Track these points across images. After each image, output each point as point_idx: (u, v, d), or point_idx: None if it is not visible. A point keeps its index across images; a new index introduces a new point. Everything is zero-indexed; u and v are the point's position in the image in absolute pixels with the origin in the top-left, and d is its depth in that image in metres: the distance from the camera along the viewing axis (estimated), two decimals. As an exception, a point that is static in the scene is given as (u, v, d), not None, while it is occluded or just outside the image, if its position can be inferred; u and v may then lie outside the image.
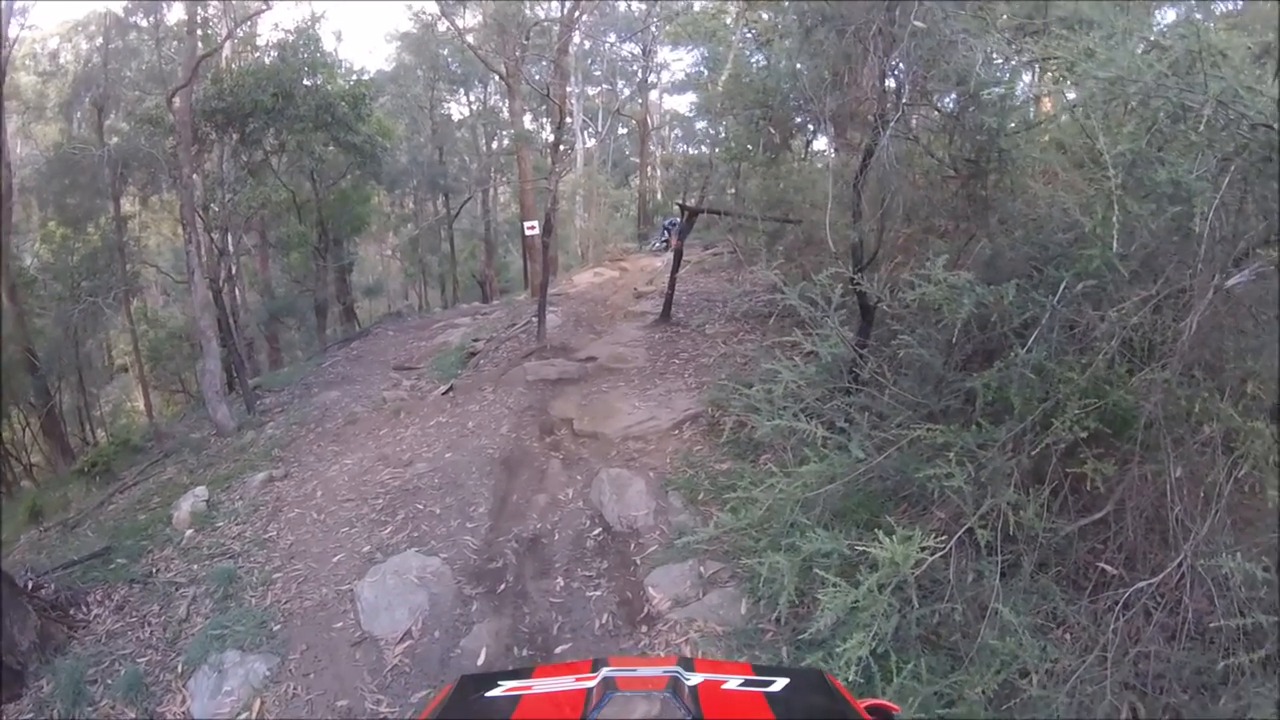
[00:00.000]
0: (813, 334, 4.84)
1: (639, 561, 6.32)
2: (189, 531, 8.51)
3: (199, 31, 14.81)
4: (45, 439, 19.53)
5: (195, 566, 7.69)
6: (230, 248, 18.27)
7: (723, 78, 16.06)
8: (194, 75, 13.09)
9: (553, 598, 6.14)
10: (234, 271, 19.24)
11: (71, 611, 7.14)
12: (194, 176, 13.89)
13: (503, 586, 6.37)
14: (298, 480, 9.37)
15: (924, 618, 3.86)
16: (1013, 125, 5.55)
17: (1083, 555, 4.22)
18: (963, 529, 3.83)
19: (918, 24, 4.99)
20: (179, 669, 6.15)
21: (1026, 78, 7.06)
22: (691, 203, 13.42)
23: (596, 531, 6.90)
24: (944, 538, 3.74)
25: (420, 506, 7.78)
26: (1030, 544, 3.97)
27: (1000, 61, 5.86)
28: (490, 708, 1.21)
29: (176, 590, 7.31)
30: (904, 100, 5.44)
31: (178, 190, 14.10)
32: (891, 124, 5.27)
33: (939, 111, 6.57)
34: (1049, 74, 5.69)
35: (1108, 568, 4.05)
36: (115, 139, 17.34)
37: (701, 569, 5.86)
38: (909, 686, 3.68)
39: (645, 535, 6.63)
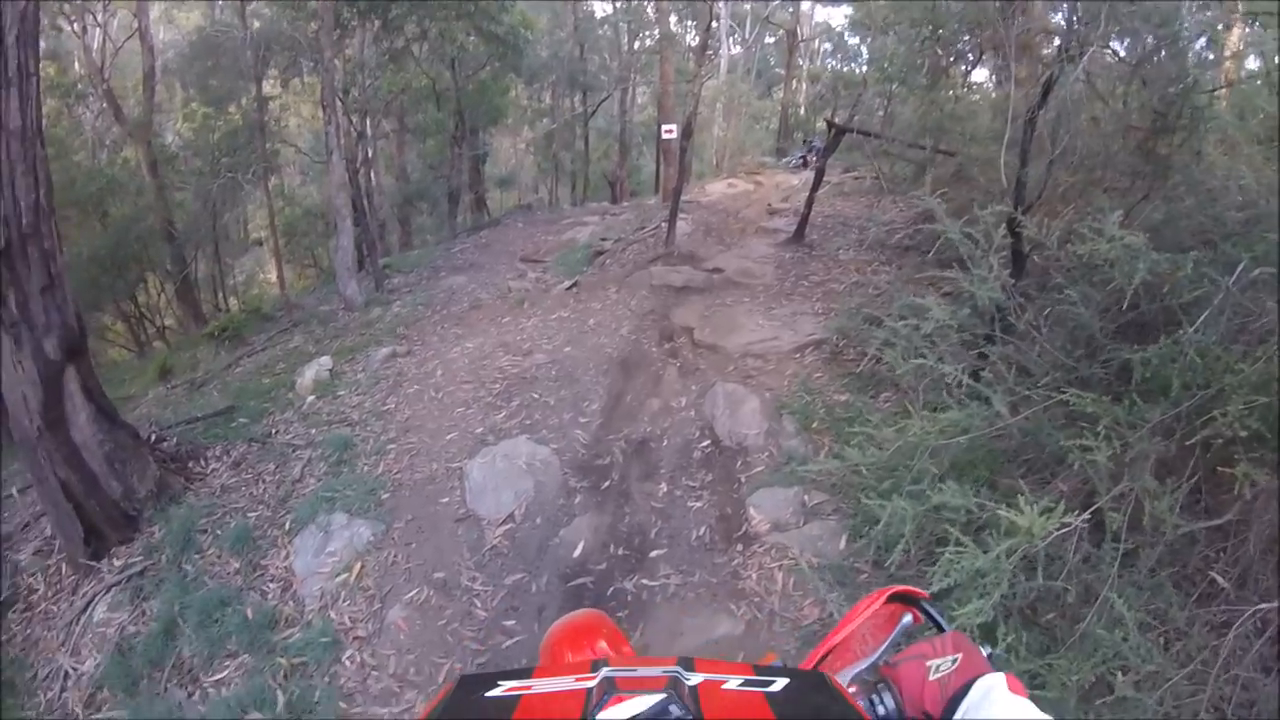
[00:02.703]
0: (971, 274, 4.53)
1: (743, 480, 6.25)
2: (310, 398, 8.89)
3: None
4: (179, 304, 20.64)
5: (313, 431, 8.03)
6: (368, 131, 18.61)
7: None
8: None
9: (654, 502, 6.15)
10: (370, 155, 19.62)
11: (190, 464, 7.57)
12: (335, 61, 14.04)
13: (607, 484, 6.43)
14: (419, 358, 9.63)
15: (1027, 592, 3.67)
16: (1217, 85, 5.01)
17: (1197, 559, 3.93)
18: (1090, 508, 3.59)
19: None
20: (286, 526, 6.45)
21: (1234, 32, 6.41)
22: (839, 121, 12.91)
23: (705, 444, 6.85)
24: (1074, 513, 3.52)
25: (535, 396, 7.89)
26: (1156, 536, 3.70)
27: (1194, 7, 5.31)
28: (490, 708, 1.18)
29: (293, 452, 7.65)
30: (1098, 33, 4.98)
31: (319, 74, 14.29)
32: (1083, 61, 4.83)
33: (1117, 57, 6.05)
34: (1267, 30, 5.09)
35: (1219, 579, 3.75)
36: (257, 23, 17.68)
37: (806, 498, 5.74)
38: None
39: (753, 454, 6.53)
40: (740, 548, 5.51)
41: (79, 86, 20.55)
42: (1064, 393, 3.80)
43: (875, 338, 5.46)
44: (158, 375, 13.11)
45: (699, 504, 6.05)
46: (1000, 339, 4.67)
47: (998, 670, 1.25)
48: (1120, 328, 4.28)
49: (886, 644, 1.54)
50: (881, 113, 14.77)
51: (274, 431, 8.24)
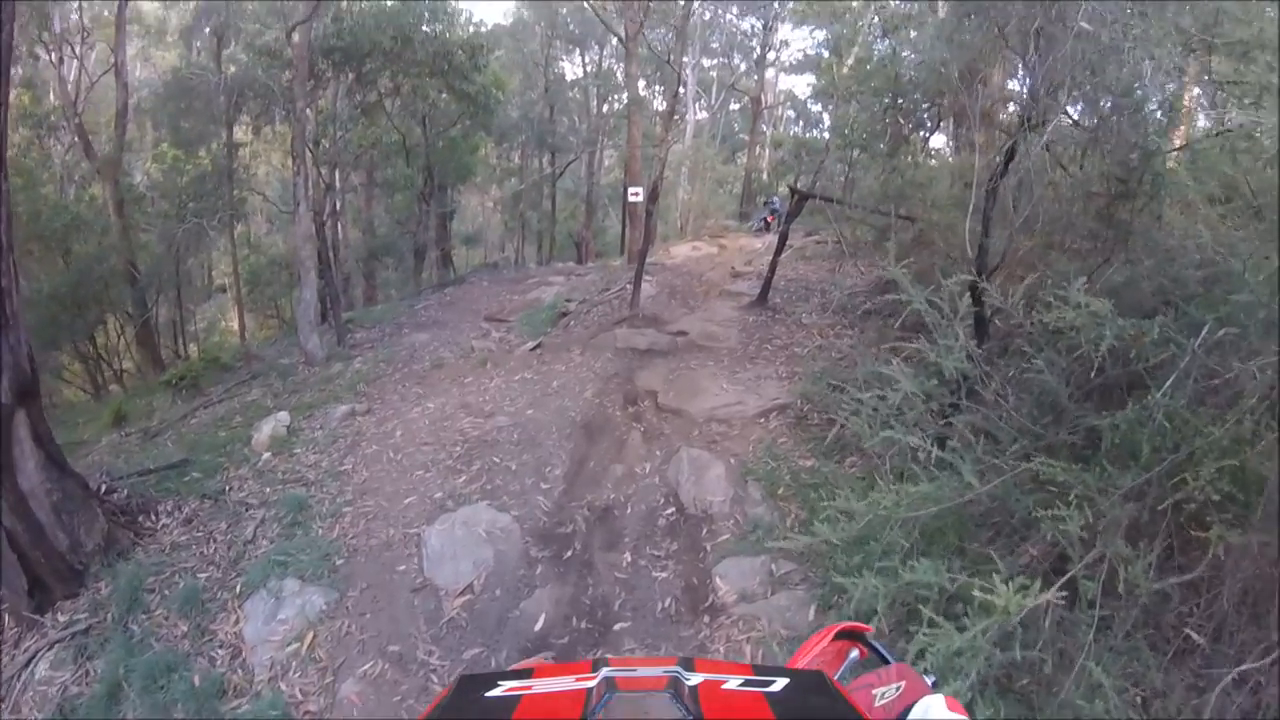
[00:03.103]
0: (937, 343, 4.46)
1: (709, 549, 6.13)
2: (266, 454, 8.69)
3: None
4: (138, 348, 20.27)
5: (268, 489, 7.83)
6: (337, 184, 18.57)
7: (849, 61, 15.58)
8: (314, 12, 13.27)
9: (618, 572, 6.01)
10: (339, 207, 19.56)
11: (140, 519, 7.32)
12: (307, 111, 14.09)
13: (569, 553, 6.28)
14: (379, 417, 9.45)
15: (1004, 661, 3.59)
16: (1174, 147, 5.10)
17: (1171, 617, 3.87)
18: (1064, 575, 3.51)
19: (1084, 25, 4.62)
20: (237, 589, 6.22)
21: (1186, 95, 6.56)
22: (802, 186, 13.06)
23: (670, 511, 6.74)
24: (1049, 587, 3.45)
25: (497, 460, 7.72)
26: (1131, 600, 3.63)
27: (1155, 74, 5.40)
28: (490, 708, 1.20)
29: (246, 511, 7.44)
30: (1063, 103, 5.05)
31: (290, 123, 14.35)
32: (1049, 129, 4.90)
33: (1075, 124, 6.16)
34: (1231, 98, 5.16)
35: (1194, 635, 3.68)
36: (233, 68, 17.81)
37: (773, 567, 5.63)
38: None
39: (719, 522, 6.42)
40: (707, 619, 5.39)
41: (52, 118, 20.42)
42: (1033, 461, 3.75)
43: (843, 407, 5.34)
44: (112, 421, 12.74)
45: (664, 574, 5.93)
46: (966, 407, 4.60)
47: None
48: (1086, 393, 4.25)
49: (835, 678, 1.56)
50: (843, 178, 14.99)
51: (228, 488, 8.00)
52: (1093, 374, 3.81)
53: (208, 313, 27.66)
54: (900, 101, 8.91)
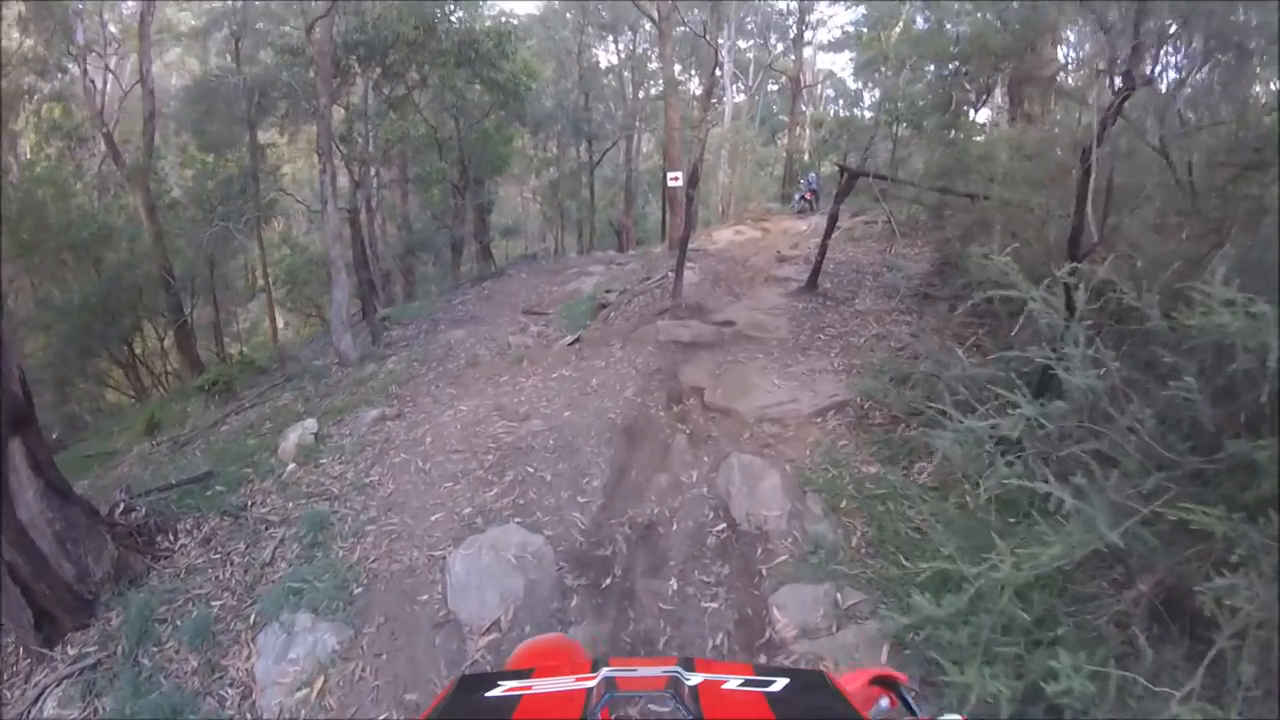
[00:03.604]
0: (1067, 355, 3.52)
1: (765, 572, 5.49)
2: (291, 465, 8.34)
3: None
4: (179, 352, 20.31)
5: (290, 505, 7.45)
6: (371, 180, 18.34)
7: (896, 30, 14.81)
8: (333, 6, 12.94)
9: (663, 603, 5.38)
10: (373, 203, 19.33)
11: (158, 539, 6.99)
12: (332, 108, 13.80)
13: (608, 581, 5.67)
14: (410, 422, 9.02)
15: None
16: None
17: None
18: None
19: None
20: (251, 619, 5.80)
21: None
22: (848, 164, 12.35)
23: (720, 527, 6.11)
24: (1156, 618, 2.77)
25: (530, 470, 7.18)
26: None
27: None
28: (490, 708, 1.22)
29: (266, 529, 7.05)
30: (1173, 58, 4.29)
31: (315, 120, 14.07)
32: (1174, 85, 4.13)
33: (1160, 90, 5.37)
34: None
35: None
36: (256, 68, 17.88)
37: (839, 596, 4.99)
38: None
39: (775, 541, 5.78)
40: (764, 659, 4.76)
41: (82, 129, 20.62)
42: (1170, 501, 2.98)
43: (939, 434, 4.45)
44: (145, 429, 12.69)
45: (714, 605, 5.30)
46: (1089, 429, 3.67)
47: None
48: (1227, 414, 3.43)
49: None
50: (889, 156, 14.28)
51: (250, 503, 7.66)
52: (1262, 396, 2.96)
53: (251, 313, 27.88)
54: (959, 68, 8.14)
